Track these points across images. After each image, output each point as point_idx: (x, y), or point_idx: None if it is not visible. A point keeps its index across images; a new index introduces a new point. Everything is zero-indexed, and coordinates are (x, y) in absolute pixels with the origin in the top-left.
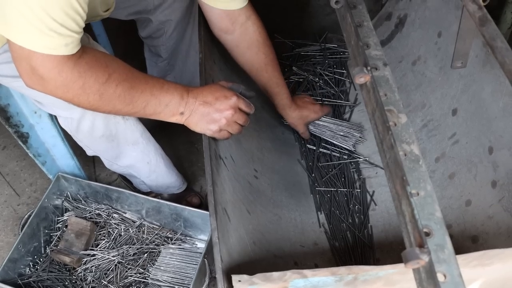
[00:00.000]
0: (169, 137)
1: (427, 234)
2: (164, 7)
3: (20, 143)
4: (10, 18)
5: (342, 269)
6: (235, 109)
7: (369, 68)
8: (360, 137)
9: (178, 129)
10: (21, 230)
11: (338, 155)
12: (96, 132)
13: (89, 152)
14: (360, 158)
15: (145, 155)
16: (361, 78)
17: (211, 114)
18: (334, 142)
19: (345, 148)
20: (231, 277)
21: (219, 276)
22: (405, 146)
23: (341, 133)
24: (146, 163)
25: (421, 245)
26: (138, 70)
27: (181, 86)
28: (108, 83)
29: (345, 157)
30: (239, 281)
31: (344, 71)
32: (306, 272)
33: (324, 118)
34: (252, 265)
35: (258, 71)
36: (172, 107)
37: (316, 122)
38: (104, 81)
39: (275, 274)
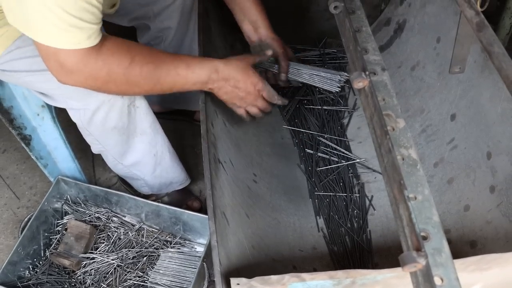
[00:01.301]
0: (170, 140)
1: (425, 238)
2: (164, 16)
3: (23, 145)
4: (32, 20)
5: (340, 273)
6: (258, 95)
7: (367, 73)
8: (340, 80)
9: (179, 133)
10: (21, 233)
11: (336, 159)
12: (109, 123)
13: (96, 148)
14: (357, 159)
15: (152, 146)
16: (360, 83)
17: (237, 93)
18: (316, 85)
19: (328, 91)
20: (229, 280)
21: (218, 279)
22: (403, 151)
23: (321, 76)
24: (152, 155)
25: (418, 249)
26: (161, 51)
27: (209, 64)
28: (132, 66)
29: (343, 161)
30: (238, 284)
31: None
32: (304, 275)
33: (301, 65)
34: (250, 269)
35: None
36: (200, 85)
37: (294, 68)
38: (127, 65)
39: (274, 277)
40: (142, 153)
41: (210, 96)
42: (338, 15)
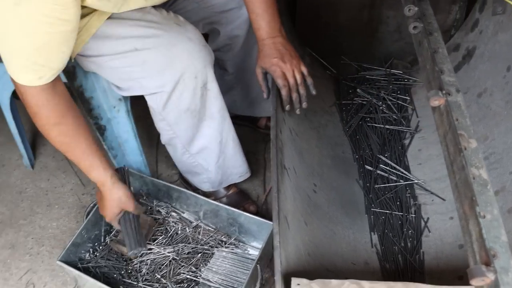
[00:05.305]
0: None
1: (492, 256)
2: (234, 25)
3: (98, 135)
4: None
5: (399, 285)
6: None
7: (444, 92)
8: None
9: (241, 138)
10: (86, 217)
11: (395, 178)
12: (183, 104)
13: (166, 135)
14: (416, 180)
15: (219, 133)
16: (436, 101)
17: (103, 206)
18: None
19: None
20: (289, 280)
21: (278, 277)
22: (474, 170)
23: None
24: (218, 142)
25: (488, 264)
26: (86, 141)
27: (103, 177)
28: (53, 128)
29: (402, 181)
30: (298, 284)
31: (407, 98)
32: (364, 283)
33: None
34: (305, 276)
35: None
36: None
37: None
38: (53, 123)
39: (334, 281)
40: (209, 139)
41: (279, 103)
42: (416, 35)
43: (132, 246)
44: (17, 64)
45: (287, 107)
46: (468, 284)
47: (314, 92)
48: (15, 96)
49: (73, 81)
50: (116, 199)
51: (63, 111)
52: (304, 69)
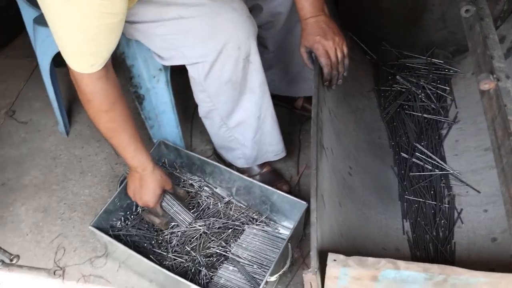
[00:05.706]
0: None
1: None
2: (278, 2)
3: (137, 103)
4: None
5: (435, 267)
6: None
7: (494, 76)
8: None
9: (277, 119)
10: (119, 186)
11: (430, 167)
12: (224, 75)
13: (205, 107)
14: (452, 171)
15: (258, 108)
16: (486, 84)
17: (136, 191)
18: None
19: None
20: (324, 257)
21: (314, 253)
22: None
23: None
24: (256, 117)
25: None
26: (132, 127)
27: (146, 161)
28: (105, 114)
29: (437, 170)
30: (335, 260)
31: (447, 88)
32: (400, 263)
33: None
34: None
35: None
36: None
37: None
38: (105, 109)
39: (370, 259)
40: (248, 113)
41: (321, 82)
42: (468, 19)
43: (189, 219)
44: (70, 54)
45: (326, 83)
46: None
47: (345, 74)
48: (55, 64)
49: (116, 48)
50: (159, 179)
51: (114, 98)
52: (345, 49)
